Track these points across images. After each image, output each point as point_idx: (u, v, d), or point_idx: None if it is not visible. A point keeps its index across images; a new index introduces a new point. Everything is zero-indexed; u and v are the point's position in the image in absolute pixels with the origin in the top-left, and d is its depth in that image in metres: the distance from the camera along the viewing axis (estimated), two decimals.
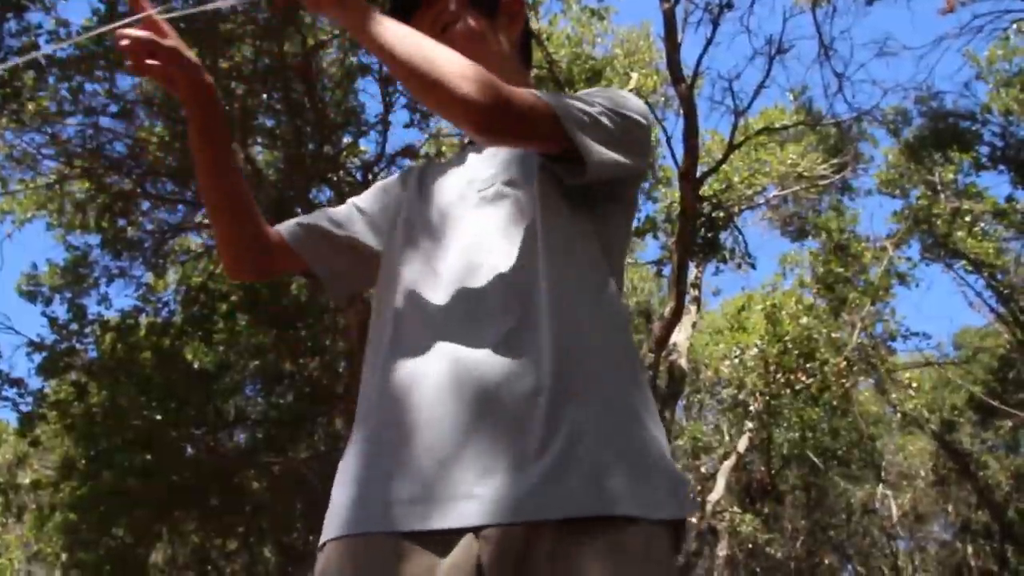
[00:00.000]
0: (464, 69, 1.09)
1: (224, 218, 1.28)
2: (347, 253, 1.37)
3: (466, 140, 1.46)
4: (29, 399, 8.64)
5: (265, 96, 9.22)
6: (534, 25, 10.63)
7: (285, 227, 1.35)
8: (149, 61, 1.12)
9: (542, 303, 1.10)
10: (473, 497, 0.97)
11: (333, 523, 1.07)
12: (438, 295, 1.15)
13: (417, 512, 0.99)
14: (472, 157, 1.35)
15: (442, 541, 0.97)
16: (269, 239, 1.31)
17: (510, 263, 1.15)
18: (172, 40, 1.16)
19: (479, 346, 1.07)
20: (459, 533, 0.96)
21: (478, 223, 1.21)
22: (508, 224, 1.19)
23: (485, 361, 1.06)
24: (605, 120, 1.18)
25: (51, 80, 8.13)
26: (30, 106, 8.28)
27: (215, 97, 1.21)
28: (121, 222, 9.41)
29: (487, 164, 1.30)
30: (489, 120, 1.09)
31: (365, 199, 1.43)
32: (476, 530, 0.96)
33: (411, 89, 1.14)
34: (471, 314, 1.11)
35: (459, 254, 1.18)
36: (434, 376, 1.07)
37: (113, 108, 8.71)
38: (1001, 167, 12.68)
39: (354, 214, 1.39)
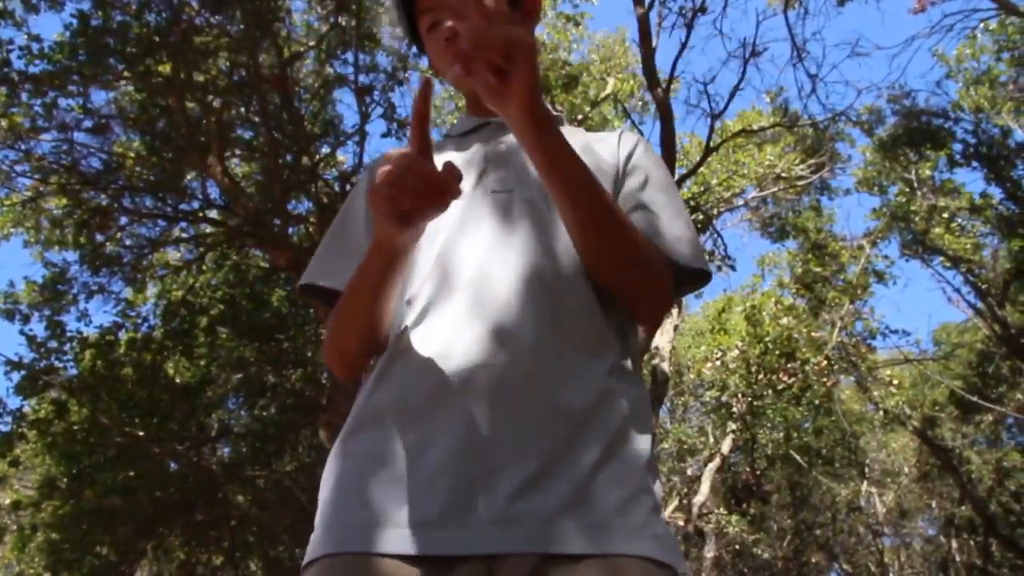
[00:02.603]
0: (662, 262, 1.13)
1: (364, 335, 1.15)
2: None
3: (450, 133, 1.36)
4: (8, 419, 8.55)
5: (242, 108, 9.20)
6: None
7: None
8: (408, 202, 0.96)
9: (571, 330, 1.07)
10: (485, 524, 0.94)
11: (326, 538, 1.00)
12: (460, 304, 1.08)
13: (422, 536, 0.94)
14: (477, 149, 1.27)
15: (446, 564, 0.93)
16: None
17: (537, 283, 1.09)
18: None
19: (499, 364, 1.02)
20: (464, 559, 0.93)
21: (497, 229, 1.15)
22: (531, 236, 1.14)
23: (505, 383, 1.01)
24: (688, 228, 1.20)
25: (24, 96, 8.08)
26: (3, 122, 8.22)
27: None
28: (99, 238, 9.35)
29: (497, 163, 1.23)
30: (662, 317, 1.14)
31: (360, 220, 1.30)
32: (481, 557, 0.93)
33: (596, 249, 1.08)
34: (493, 332, 1.05)
35: (480, 263, 1.11)
36: (449, 393, 1.01)
37: (88, 123, 8.67)
38: (975, 164, 12.83)
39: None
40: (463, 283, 1.10)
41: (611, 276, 1.10)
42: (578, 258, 1.11)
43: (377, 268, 1.08)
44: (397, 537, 0.95)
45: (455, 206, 1.12)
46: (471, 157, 1.26)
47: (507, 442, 0.98)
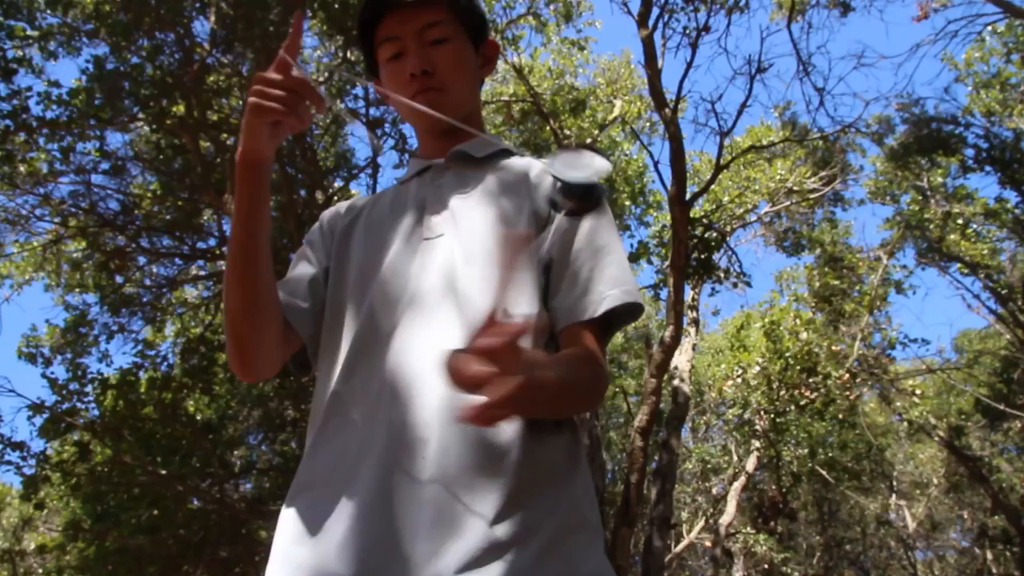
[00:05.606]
0: (602, 383, 1.12)
1: (254, 319, 1.15)
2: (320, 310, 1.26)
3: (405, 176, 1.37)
4: (32, 462, 8.58)
5: None
6: (516, 60, 10.76)
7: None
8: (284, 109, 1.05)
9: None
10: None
11: None
12: (384, 355, 1.09)
13: None
14: (416, 193, 1.27)
15: None
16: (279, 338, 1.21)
17: (463, 330, 1.06)
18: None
19: (423, 421, 1.02)
20: None
21: (426, 273, 1.14)
22: (448, 292, 1.11)
23: (429, 437, 1.01)
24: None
25: (41, 141, 8.20)
26: (22, 168, 8.34)
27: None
28: (118, 279, 9.45)
29: (433, 207, 1.22)
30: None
31: (308, 254, 1.34)
32: None
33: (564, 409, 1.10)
34: (417, 384, 1.05)
35: (398, 323, 1.11)
36: (375, 450, 1.02)
37: (105, 166, 8.79)
38: (988, 168, 12.77)
39: (310, 269, 1.30)
40: (380, 348, 1.10)
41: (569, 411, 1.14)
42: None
43: (247, 193, 1.12)
44: None
45: (390, 252, 1.17)
46: (410, 201, 1.26)
47: (416, 513, 0.97)
